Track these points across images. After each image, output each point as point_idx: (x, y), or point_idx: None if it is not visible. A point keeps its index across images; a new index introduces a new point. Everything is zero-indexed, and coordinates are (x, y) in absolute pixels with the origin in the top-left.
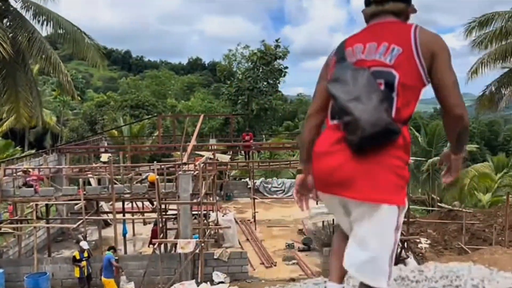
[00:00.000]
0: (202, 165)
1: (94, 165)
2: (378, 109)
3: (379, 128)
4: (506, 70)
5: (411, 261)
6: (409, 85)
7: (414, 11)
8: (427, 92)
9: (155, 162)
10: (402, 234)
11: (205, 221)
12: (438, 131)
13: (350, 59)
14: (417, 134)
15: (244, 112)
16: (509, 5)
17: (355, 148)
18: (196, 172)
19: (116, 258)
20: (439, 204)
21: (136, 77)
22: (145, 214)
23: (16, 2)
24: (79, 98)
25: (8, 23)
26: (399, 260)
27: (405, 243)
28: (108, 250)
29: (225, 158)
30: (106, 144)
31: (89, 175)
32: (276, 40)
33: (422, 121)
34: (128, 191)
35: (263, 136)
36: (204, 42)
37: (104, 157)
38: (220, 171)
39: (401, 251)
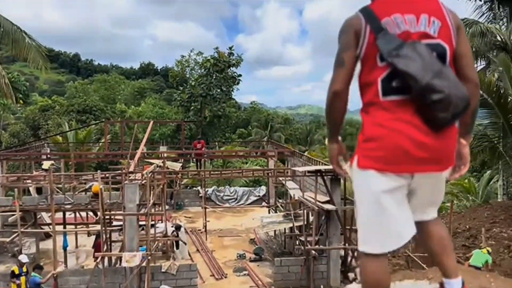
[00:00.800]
0: (150, 174)
1: (33, 173)
2: (459, 83)
3: (466, 102)
4: None
5: None
6: (452, 56)
7: None
8: None
9: (98, 171)
10: (352, 243)
11: (152, 232)
12: None
13: (392, 30)
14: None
15: (196, 119)
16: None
17: (444, 124)
18: (144, 181)
19: (41, 279)
20: None
21: (84, 81)
22: (89, 226)
23: None
24: (22, 102)
25: None
26: (349, 269)
27: (355, 252)
28: (33, 270)
29: (176, 166)
30: (48, 151)
31: (28, 184)
32: (230, 48)
33: None
34: (69, 202)
35: (216, 143)
36: (156, 47)
37: (46, 164)
38: (171, 179)
39: (351, 260)
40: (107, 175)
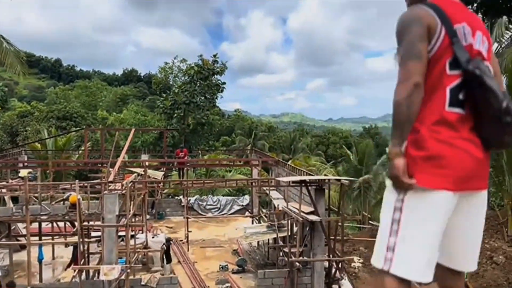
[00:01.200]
0: (130, 183)
1: (9, 181)
2: None
3: None
4: None
5: (346, 282)
6: None
7: None
8: (356, 111)
9: (77, 180)
10: (336, 254)
11: (132, 244)
12: (368, 150)
13: (462, 40)
14: (349, 152)
15: (180, 126)
16: None
17: (503, 147)
18: (124, 191)
19: None
20: (370, 221)
21: (65, 87)
22: (66, 237)
23: None
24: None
25: None
26: (333, 281)
27: (340, 264)
28: (7, 286)
29: (158, 175)
30: (26, 158)
31: (3, 193)
32: (214, 56)
33: (353, 139)
34: (45, 212)
35: (199, 151)
36: (140, 53)
37: (23, 172)
38: (153, 188)
39: (335, 272)
40: (85, 184)
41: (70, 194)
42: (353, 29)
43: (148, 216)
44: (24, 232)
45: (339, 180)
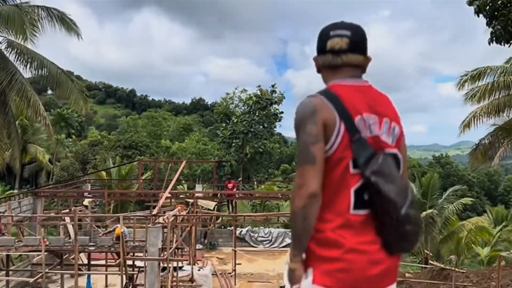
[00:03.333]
0: (172, 218)
1: (72, 209)
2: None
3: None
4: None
5: None
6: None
7: (370, 60)
8: (427, 138)
9: (120, 214)
10: None
11: (175, 277)
12: (433, 182)
13: (364, 132)
14: (411, 184)
15: (238, 155)
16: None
17: (403, 252)
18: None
19: None
20: (431, 262)
21: (136, 116)
22: (109, 269)
23: (1, 43)
24: (74, 137)
25: None
26: None
27: None
28: None
29: (210, 205)
30: (89, 187)
31: (67, 221)
32: (272, 86)
33: (417, 169)
34: (92, 244)
35: (255, 181)
36: (208, 83)
37: (87, 201)
38: (205, 218)
39: None
40: (131, 217)
41: (117, 227)
42: (423, 54)
43: (200, 246)
44: (84, 260)
45: None
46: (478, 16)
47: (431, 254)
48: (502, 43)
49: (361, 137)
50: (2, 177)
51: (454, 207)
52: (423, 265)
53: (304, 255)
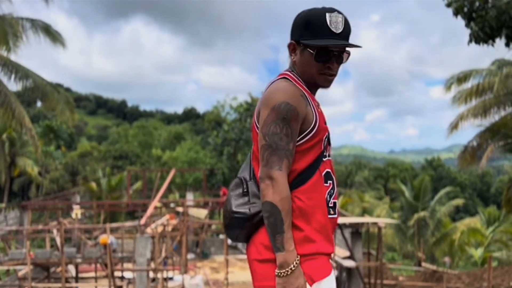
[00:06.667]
0: (160, 227)
1: (54, 223)
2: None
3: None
4: (482, 128)
5: None
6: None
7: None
8: (419, 142)
9: (107, 224)
10: None
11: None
12: (424, 185)
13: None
14: (403, 187)
15: (230, 163)
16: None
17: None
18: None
19: None
20: (424, 264)
21: (125, 127)
22: (98, 281)
23: None
24: (64, 148)
25: None
26: None
27: None
28: None
29: (202, 213)
30: (78, 199)
31: (55, 234)
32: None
33: (410, 173)
34: (79, 255)
35: None
36: (200, 91)
37: (75, 213)
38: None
39: None
40: (119, 227)
41: (102, 236)
42: (414, 57)
43: (192, 255)
44: (73, 272)
45: (375, 222)
46: (457, 17)
47: (423, 257)
48: (481, 44)
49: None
50: None
51: (446, 209)
52: (416, 268)
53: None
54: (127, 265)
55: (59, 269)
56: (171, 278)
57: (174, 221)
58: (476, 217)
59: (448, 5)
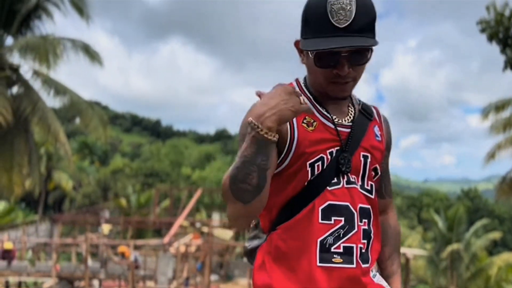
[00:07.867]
0: (183, 247)
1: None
2: None
3: None
4: None
5: None
6: None
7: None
8: (456, 171)
9: (132, 241)
10: None
11: None
12: (459, 215)
13: None
14: (436, 217)
15: None
16: None
17: None
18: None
19: None
20: None
21: (158, 145)
22: None
23: (27, 73)
24: (98, 164)
25: (15, 92)
26: None
27: None
28: None
29: (227, 235)
30: (107, 215)
31: (82, 248)
32: None
33: (444, 203)
34: (103, 271)
35: None
36: (233, 112)
37: (105, 229)
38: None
39: None
40: (143, 245)
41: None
42: (451, 83)
43: (216, 277)
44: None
45: (404, 253)
46: (491, 43)
47: None
48: None
49: None
50: (28, 204)
51: (483, 242)
52: None
53: None
54: (149, 283)
55: (82, 283)
56: None
57: (198, 241)
58: None
59: (482, 30)
